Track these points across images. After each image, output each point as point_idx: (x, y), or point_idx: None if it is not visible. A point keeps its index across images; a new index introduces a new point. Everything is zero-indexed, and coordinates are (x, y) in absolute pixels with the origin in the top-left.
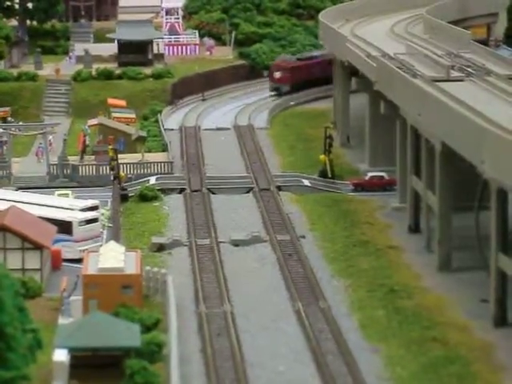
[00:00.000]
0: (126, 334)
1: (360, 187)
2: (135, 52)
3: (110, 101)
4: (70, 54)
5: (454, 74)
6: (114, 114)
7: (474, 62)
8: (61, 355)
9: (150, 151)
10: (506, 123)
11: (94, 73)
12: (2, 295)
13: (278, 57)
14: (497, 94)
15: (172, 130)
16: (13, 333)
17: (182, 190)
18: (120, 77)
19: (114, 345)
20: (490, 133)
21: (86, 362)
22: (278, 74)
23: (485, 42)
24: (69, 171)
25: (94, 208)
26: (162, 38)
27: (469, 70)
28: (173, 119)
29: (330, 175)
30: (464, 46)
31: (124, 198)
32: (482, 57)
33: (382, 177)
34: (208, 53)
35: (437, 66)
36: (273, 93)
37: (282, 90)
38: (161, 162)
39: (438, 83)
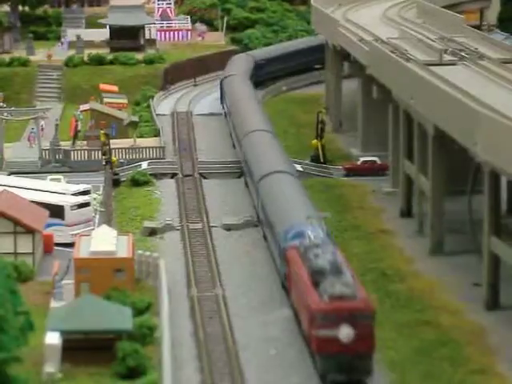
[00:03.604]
0: (118, 317)
1: (352, 172)
2: (127, 37)
3: (102, 86)
4: (62, 39)
5: (447, 57)
6: (105, 100)
7: (467, 46)
8: (53, 338)
9: (141, 136)
10: (498, 106)
11: (85, 58)
12: None
13: None
14: (489, 78)
15: (164, 115)
16: (4, 315)
17: (173, 175)
18: (112, 62)
19: (106, 328)
20: (483, 115)
21: (78, 345)
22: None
23: (478, 27)
24: (61, 156)
25: (85, 192)
26: (154, 24)
27: (462, 53)
28: (165, 104)
29: (322, 160)
30: (457, 30)
31: (116, 183)
32: (475, 41)
33: (374, 161)
34: (200, 38)
35: (430, 50)
36: None
37: None
38: (153, 147)
39: (430, 67)
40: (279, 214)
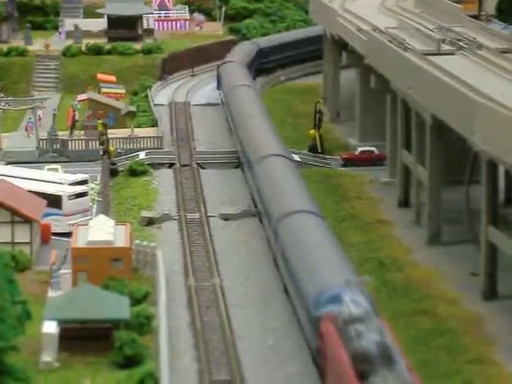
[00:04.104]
0: (116, 307)
1: (350, 162)
2: (125, 27)
3: (100, 76)
4: (60, 29)
5: (445, 47)
6: (103, 89)
7: (465, 36)
8: (50, 327)
9: (139, 126)
10: (496, 96)
11: (83, 48)
12: None
13: None
14: (487, 68)
15: (162, 105)
16: (2, 304)
17: (171, 165)
18: (110, 52)
19: (104, 317)
20: (481, 105)
21: (75, 334)
22: None
23: (476, 17)
24: (58, 146)
25: (83, 182)
26: (152, 14)
27: (460, 43)
28: (162, 94)
29: (319, 150)
30: (455, 20)
31: (113, 173)
32: (473, 31)
33: (371, 151)
34: (198, 28)
35: (428, 39)
36: None
37: None
38: (150, 137)
39: (428, 57)
40: (309, 270)
